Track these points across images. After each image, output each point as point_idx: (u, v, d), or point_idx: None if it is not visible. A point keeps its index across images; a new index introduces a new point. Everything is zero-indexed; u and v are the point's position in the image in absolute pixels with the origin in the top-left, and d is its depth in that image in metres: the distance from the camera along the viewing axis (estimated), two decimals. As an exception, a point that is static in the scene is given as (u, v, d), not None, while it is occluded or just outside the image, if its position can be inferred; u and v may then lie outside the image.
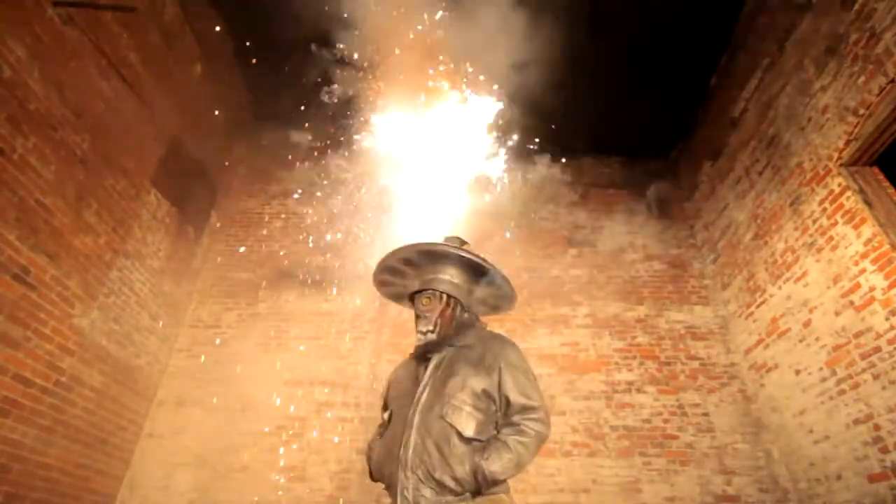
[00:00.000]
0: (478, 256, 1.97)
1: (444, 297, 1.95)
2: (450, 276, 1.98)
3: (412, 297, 2.04)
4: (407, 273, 2.10)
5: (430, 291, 1.96)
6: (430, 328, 1.90)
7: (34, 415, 3.22)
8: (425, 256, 2.01)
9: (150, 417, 4.45)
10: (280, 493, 4.12)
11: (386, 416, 1.91)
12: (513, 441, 1.64)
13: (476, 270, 2.03)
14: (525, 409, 1.71)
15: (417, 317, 1.95)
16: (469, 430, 1.64)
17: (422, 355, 1.91)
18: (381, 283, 2.21)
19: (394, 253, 2.06)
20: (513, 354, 1.84)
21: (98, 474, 3.81)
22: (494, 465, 1.58)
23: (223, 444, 4.32)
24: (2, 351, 2.98)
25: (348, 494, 4.13)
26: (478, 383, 1.72)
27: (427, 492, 1.59)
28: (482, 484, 1.59)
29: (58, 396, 3.41)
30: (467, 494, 1.60)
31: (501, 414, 1.75)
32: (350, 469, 4.23)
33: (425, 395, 1.76)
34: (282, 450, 4.32)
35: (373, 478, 1.84)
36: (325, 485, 4.18)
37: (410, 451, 1.65)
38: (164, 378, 4.67)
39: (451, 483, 1.58)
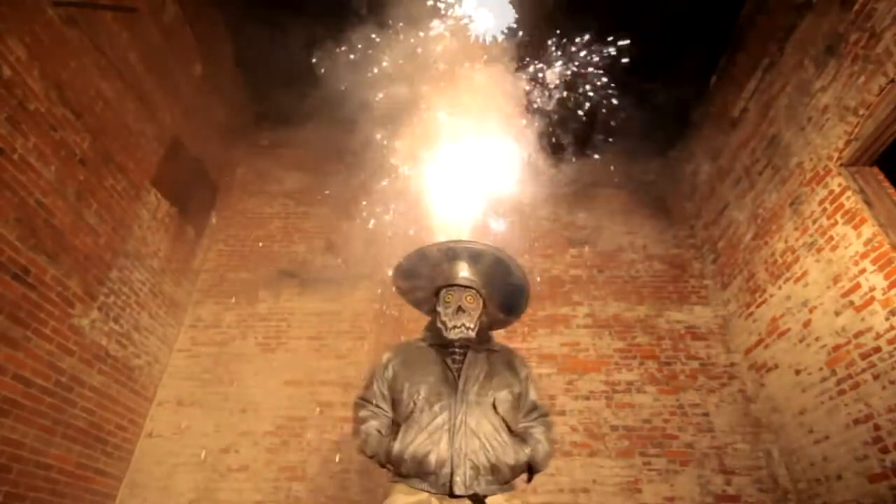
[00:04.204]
0: (522, 273, 2.17)
1: (481, 301, 2.09)
2: (483, 282, 2.12)
3: (439, 290, 2.09)
4: (436, 267, 2.15)
5: (474, 290, 2.08)
6: (472, 325, 2.00)
7: (34, 415, 3.22)
8: (467, 255, 2.11)
9: (150, 417, 4.45)
10: (280, 493, 4.12)
11: (411, 401, 1.78)
12: (545, 437, 1.90)
13: (502, 283, 2.17)
14: (544, 413, 2.01)
15: (459, 309, 1.99)
16: (513, 424, 1.85)
17: (443, 346, 1.95)
18: (406, 274, 2.24)
19: (433, 246, 2.13)
20: (529, 367, 2.11)
21: (98, 474, 3.81)
22: (539, 456, 1.82)
23: (223, 444, 4.33)
24: (2, 351, 2.98)
25: (348, 494, 4.13)
26: (515, 386, 1.93)
27: (482, 480, 1.67)
28: (533, 472, 1.82)
29: (58, 396, 3.41)
30: (508, 484, 1.76)
31: (523, 415, 1.96)
32: (350, 469, 4.23)
33: (472, 387, 1.82)
34: (282, 450, 4.33)
35: (399, 467, 1.70)
36: (325, 485, 4.18)
37: (466, 440, 1.69)
38: (164, 378, 4.67)
39: (506, 471, 1.72)
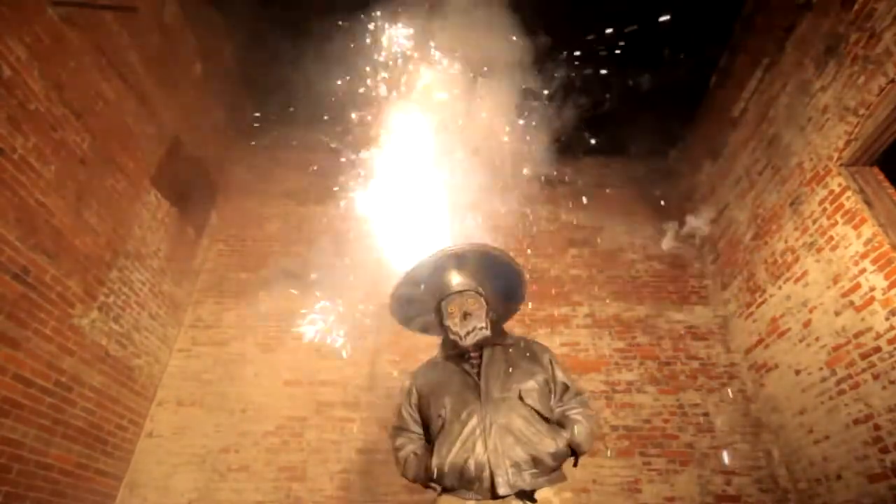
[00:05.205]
0: (514, 265, 2.18)
1: (483, 299, 2.09)
2: (477, 281, 2.13)
3: (438, 305, 2.11)
4: (427, 286, 2.14)
5: (472, 292, 2.09)
6: (483, 325, 2.00)
7: (34, 415, 3.22)
8: (450, 261, 2.09)
9: (150, 417, 4.45)
10: (280, 493, 4.12)
11: (439, 416, 1.83)
12: (584, 416, 1.87)
13: (494, 275, 2.17)
14: (579, 392, 1.97)
15: (466, 315, 2.00)
16: (546, 412, 1.82)
17: (459, 354, 1.97)
18: (402, 307, 2.25)
19: (413, 270, 2.11)
20: (552, 352, 2.08)
21: (98, 474, 3.81)
22: (581, 437, 1.79)
23: (223, 444, 4.33)
24: (2, 351, 2.98)
25: (348, 494, 4.13)
26: (540, 374, 1.91)
27: (525, 475, 1.66)
28: (577, 455, 1.80)
29: (58, 396, 3.41)
30: (556, 473, 1.74)
31: (557, 399, 1.93)
32: (350, 469, 4.23)
33: (494, 384, 1.83)
34: (282, 450, 4.33)
35: (442, 482, 1.73)
36: (325, 485, 4.18)
37: (500, 439, 1.68)
38: (164, 378, 4.66)
39: (548, 460, 1.70)
